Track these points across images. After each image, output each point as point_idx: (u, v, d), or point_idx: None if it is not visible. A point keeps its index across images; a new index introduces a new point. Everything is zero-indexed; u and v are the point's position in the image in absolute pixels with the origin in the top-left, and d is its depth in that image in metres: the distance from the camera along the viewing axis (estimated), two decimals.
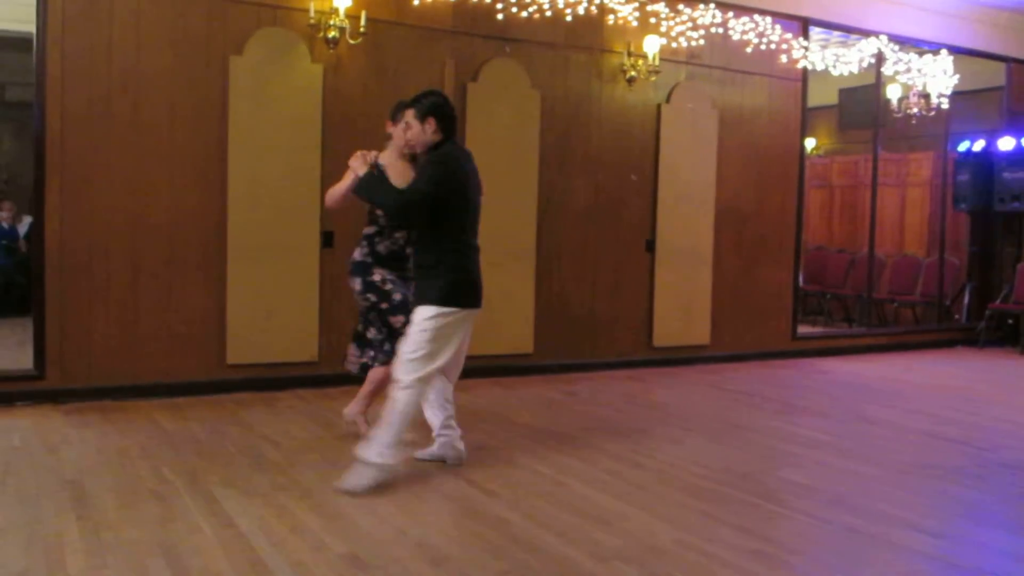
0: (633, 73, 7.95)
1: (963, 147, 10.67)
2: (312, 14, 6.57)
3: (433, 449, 4.88)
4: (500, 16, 7.29)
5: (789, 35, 8.75)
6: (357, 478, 4.34)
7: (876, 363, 9.11)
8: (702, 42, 8.27)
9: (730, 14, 8.37)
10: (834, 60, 9.19)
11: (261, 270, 6.52)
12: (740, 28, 8.44)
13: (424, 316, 4.47)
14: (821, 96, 10.46)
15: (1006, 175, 10.22)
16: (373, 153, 4.80)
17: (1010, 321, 10.36)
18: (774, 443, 5.65)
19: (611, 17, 7.82)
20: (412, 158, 4.92)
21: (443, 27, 7.16)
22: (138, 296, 6.26)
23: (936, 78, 9.97)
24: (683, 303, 8.41)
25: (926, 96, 10.11)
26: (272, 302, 6.51)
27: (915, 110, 10.27)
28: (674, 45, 8.12)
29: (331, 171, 6.02)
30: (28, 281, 7.98)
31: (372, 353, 5.10)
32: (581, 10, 7.60)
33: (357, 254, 5.02)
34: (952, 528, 4.17)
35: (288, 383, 6.63)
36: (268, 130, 6.53)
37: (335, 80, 6.73)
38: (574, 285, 7.89)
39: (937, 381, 8.28)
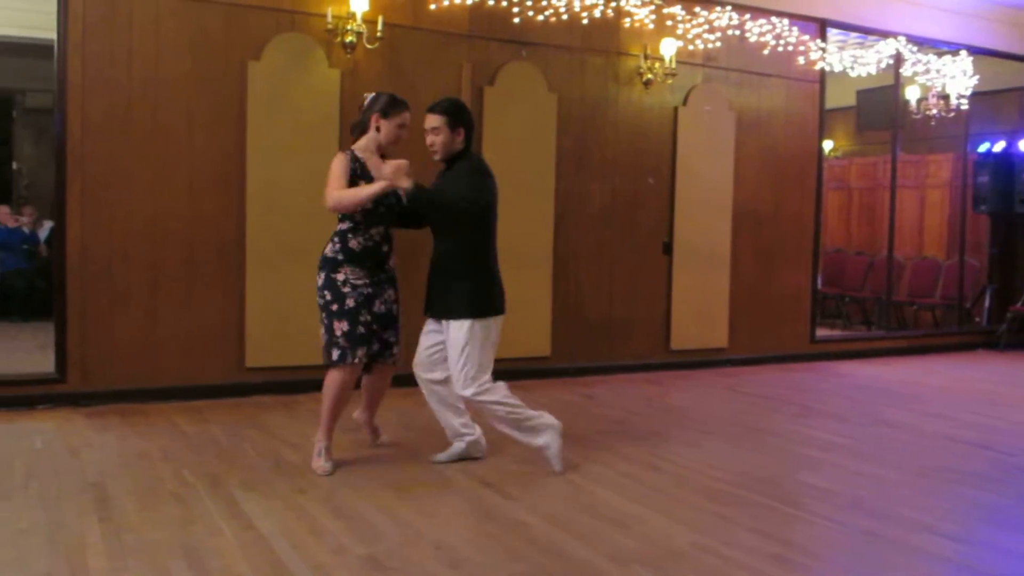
0: (650, 76, 7.96)
1: (983, 148, 10.62)
2: (329, 19, 6.62)
3: (455, 450, 4.92)
4: (516, 20, 7.32)
5: (806, 37, 8.74)
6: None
7: (895, 366, 9.08)
8: (719, 44, 8.27)
9: (747, 16, 8.37)
10: (852, 61, 9.18)
11: (279, 274, 6.56)
12: (757, 30, 8.44)
13: (469, 329, 4.66)
14: (839, 98, 10.44)
15: None
16: (405, 162, 4.65)
17: None
18: (792, 446, 5.65)
19: (627, 20, 7.84)
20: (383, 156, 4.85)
21: (460, 31, 7.19)
22: (157, 300, 6.32)
23: (955, 79, 9.94)
24: (701, 306, 8.41)
25: (945, 97, 10.07)
26: (290, 305, 6.55)
27: (934, 111, 10.23)
28: (691, 48, 8.13)
29: None
30: (49, 285, 8.06)
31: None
32: (597, 13, 7.63)
33: (328, 249, 4.81)
34: (972, 533, 4.15)
35: (306, 386, 6.65)
36: (286, 135, 6.58)
37: (352, 85, 6.77)
38: (591, 288, 7.91)
39: (957, 384, 8.24)
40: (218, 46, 6.43)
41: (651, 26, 7.92)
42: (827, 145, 11.57)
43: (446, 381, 4.82)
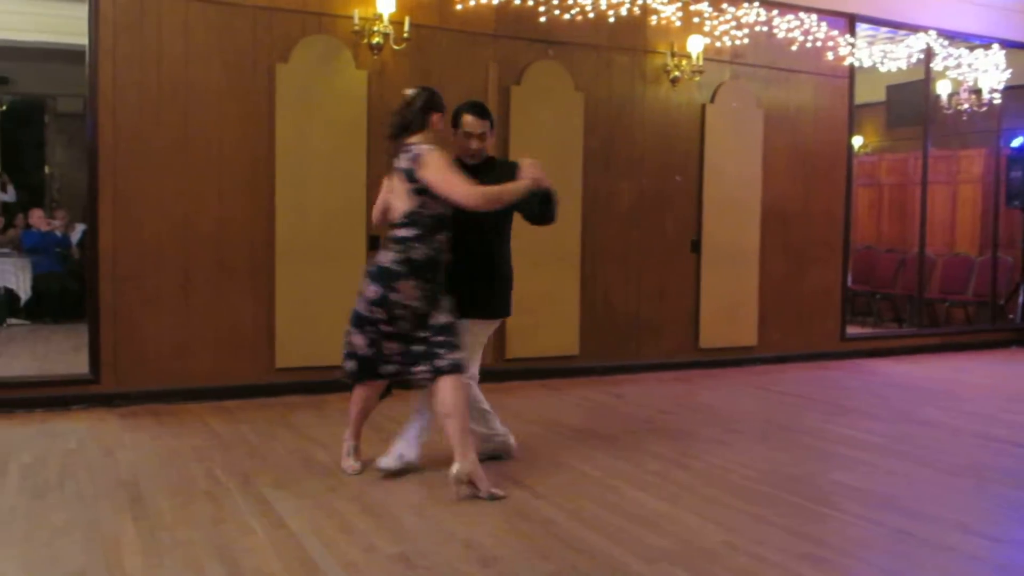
0: (677, 73, 7.94)
1: (1016, 143, 10.51)
2: (356, 21, 6.66)
3: (487, 448, 4.90)
4: (543, 19, 7.33)
5: (835, 32, 8.68)
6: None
7: (927, 364, 9.00)
8: (747, 41, 8.24)
9: (775, 12, 8.33)
10: (882, 56, 9.11)
11: (308, 275, 6.61)
12: (785, 26, 8.40)
13: (486, 327, 4.78)
14: (868, 93, 10.36)
15: None
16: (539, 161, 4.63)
17: None
18: (823, 445, 5.62)
19: (654, 18, 7.82)
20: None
21: (486, 31, 7.21)
22: (189, 302, 6.39)
23: (987, 73, 9.83)
24: (729, 304, 8.38)
25: (977, 91, 9.97)
26: (319, 306, 6.59)
27: (966, 106, 10.12)
28: (718, 44, 8.11)
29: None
30: (81, 287, 8.17)
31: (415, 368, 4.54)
32: (624, 11, 7.62)
33: (386, 259, 4.42)
34: (1007, 532, 4.12)
35: (335, 386, 6.66)
36: (314, 136, 6.62)
37: (380, 86, 6.81)
38: (619, 287, 7.90)
39: (990, 382, 8.16)
40: (246, 49, 6.49)
41: (678, 23, 7.90)
42: (857, 141, 11.49)
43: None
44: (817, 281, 8.89)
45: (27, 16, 9.38)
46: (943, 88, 10.31)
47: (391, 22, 6.70)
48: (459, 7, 7.05)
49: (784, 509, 4.27)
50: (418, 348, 4.46)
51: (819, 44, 8.61)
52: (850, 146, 9.08)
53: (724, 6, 8.09)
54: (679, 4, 7.85)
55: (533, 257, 7.34)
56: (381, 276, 4.41)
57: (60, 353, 7.97)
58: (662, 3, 7.79)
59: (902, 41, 9.27)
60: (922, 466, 5.12)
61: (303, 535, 3.80)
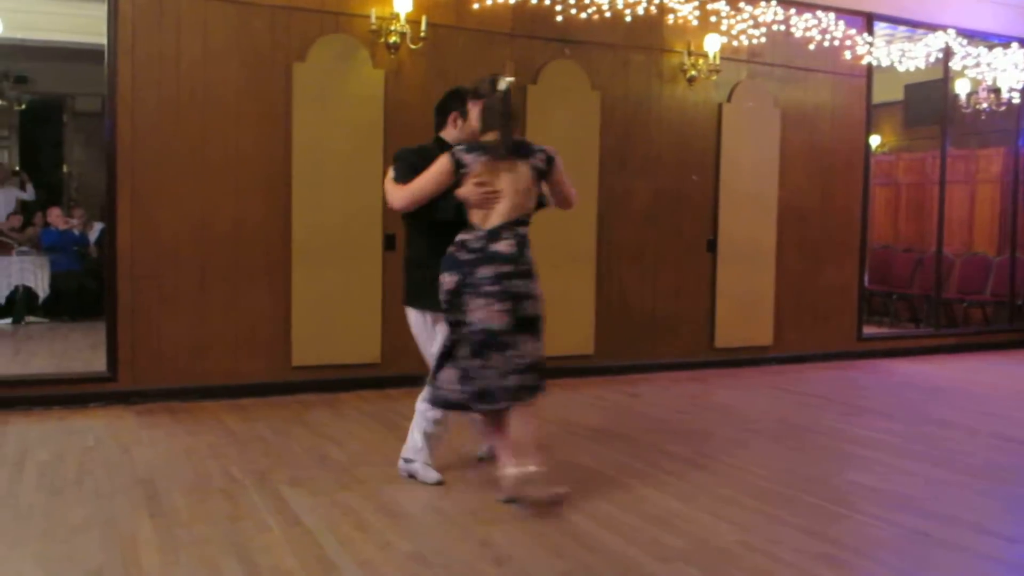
0: (693, 72, 7.92)
1: None
2: (373, 20, 6.67)
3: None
4: (559, 18, 7.32)
5: (853, 31, 8.64)
6: None
7: (945, 364, 8.95)
8: (764, 40, 8.21)
9: (792, 11, 8.30)
10: (900, 55, 9.06)
11: (325, 273, 6.63)
12: (802, 25, 8.36)
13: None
14: (886, 92, 10.32)
15: None
16: None
17: None
18: (840, 445, 5.60)
19: (671, 17, 7.81)
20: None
21: (503, 30, 7.21)
22: (206, 300, 6.42)
23: (1007, 72, 9.77)
24: (745, 303, 8.36)
25: (996, 91, 9.91)
26: (336, 305, 6.62)
27: (985, 105, 10.07)
28: (735, 44, 8.08)
29: None
30: (99, 286, 8.22)
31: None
32: (641, 10, 7.60)
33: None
34: None
35: (351, 384, 6.73)
36: (331, 135, 6.64)
37: (396, 85, 6.82)
38: (635, 286, 7.89)
39: (1009, 383, 8.12)
40: (264, 48, 6.51)
41: (695, 22, 7.88)
42: (874, 140, 11.43)
43: None
44: (834, 281, 8.85)
45: (46, 15, 9.44)
46: (962, 87, 10.26)
47: (408, 21, 6.71)
48: (476, 6, 7.06)
49: (800, 509, 4.26)
50: None
51: (837, 43, 8.57)
52: (868, 145, 9.04)
53: (741, 5, 8.06)
54: (696, 3, 7.83)
55: (549, 257, 7.32)
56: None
57: (78, 351, 8.02)
58: (679, 2, 7.77)
59: (921, 40, 9.22)
60: (939, 467, 5.10)
61: (319, 532, 3.82)
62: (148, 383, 6.29)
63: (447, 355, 4.28)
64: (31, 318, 9.83)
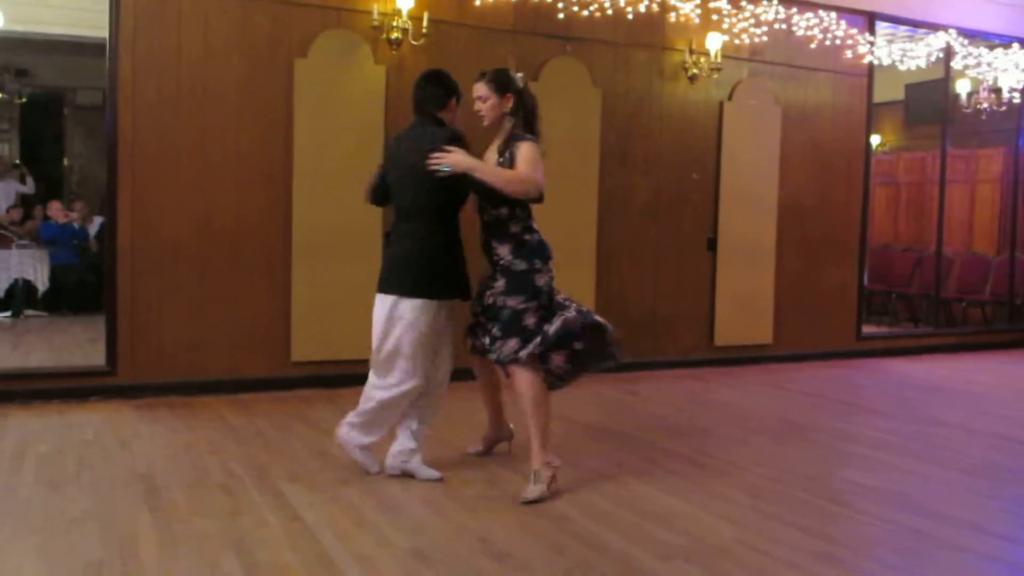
0: (695, 71, 7.92)
1: None
2: (375, 16, 6.67)
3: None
4: (561, 15, 7.32)
5: (854, 30, 8.64)
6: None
7: (944, 364, 8.96)
8: (765, 38, 8.20)
9: (793, 9, 8.30)
10: (901, 55, 9.06)
11: (325, 269, 6.63)
12: (804, 24, 8.36)
13: None
14: (887, 92, 10.30)
15: None
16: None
17: None
18: (838, 444, 5.61)
19: (673, 15, 7.80)
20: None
21: (504, 27, 7.21)
22: (206, 295, 6.42)
23: (1008, 72, 9.77)
24: (745, 302, 8.36)
25: (997, 91, 9.91)
26: (335, 301, 6.61)
27: (985, 105, 10.06)
28: (736, 42, 8.08)
29: None
30: (98, 280, 8.21)
31: None
32: (642, 8, 7.59)
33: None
34: (1022, 532, 4.10)
35: (351, 380, 6.69)
36: (332, 131, 6.64)
37: (398, 81, 6.81)
38: (635, 284, 7.89)
39: (1007, 382, 8.12)
40: (265, 43, 6.51)
41: (696, 20, 7.88)
42: (875, 140, 11.42)
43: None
44: (833, 280, 8.86)
45: (47, 8, 9.42)
46: (962, 87, 10.25)
47: (410, 17, 6.71)
48: (478, 3, 7.05)
49: (798, 508, 4.27)
50: None
51: (838, 42, 8.57)
52: (868, 144, 9.04)
53: (743, 3, 8.06)
54: (697, 1, 7.83)
55: None
56: None
57: (77, 345, 8.02)
58: (681, 0, 7.76)
59: (922, 40, 9.21)
60: (937, 466, 5.10)
61: (318, 528, 3.82)
62: (147, 378, 6.29)
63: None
64: (30, 311, 9.83)
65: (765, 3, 8.13)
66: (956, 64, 9.56)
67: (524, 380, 4.40)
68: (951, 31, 9.25)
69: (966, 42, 9.44)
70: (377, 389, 4.59)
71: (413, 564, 3.48)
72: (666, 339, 8.05)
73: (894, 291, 11.27)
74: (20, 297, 9.79)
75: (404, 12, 6.69)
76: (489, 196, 4.48)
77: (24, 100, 13.50)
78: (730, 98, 8.19)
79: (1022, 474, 5.02)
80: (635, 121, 7.81)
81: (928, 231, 10.86)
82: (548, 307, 4.54)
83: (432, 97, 4.63)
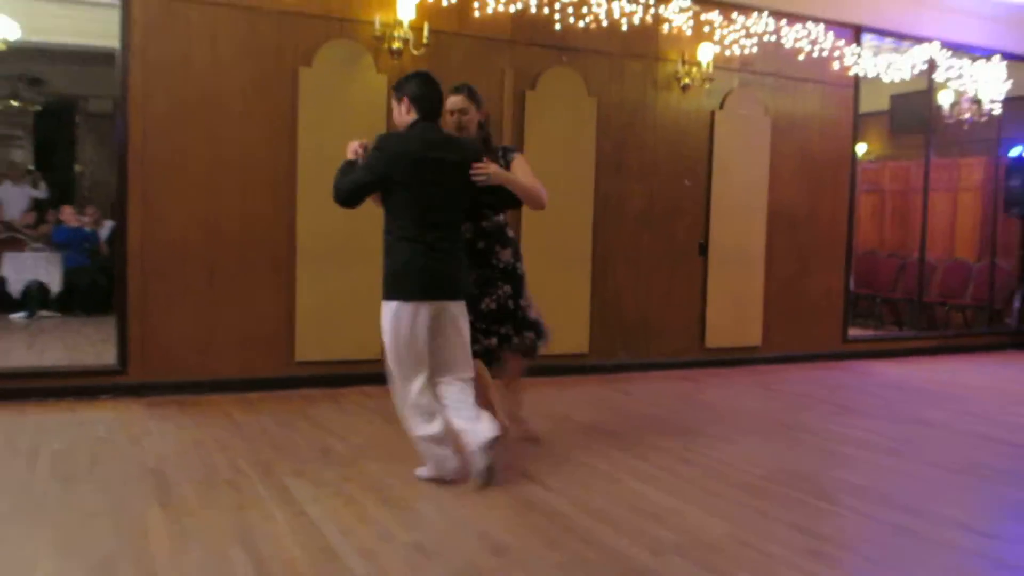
0: (687, 81, 7.93)
1: (1015, 152, 10.44)
2: (377, 26, 6.67)
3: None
4: (558, 26, 7.33)
5: (841, 42, 8.66)
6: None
7: (926, 366, 8.97)
8: (755, 50, 8.21)
9: (783, 22, 8.31)
10: (886, 66, 9.06)
11: (328, 272, 6.63)
12: (793, 36, 8.38)
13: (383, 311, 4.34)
14: (873, 102, 10.31)
15: None
16: (359, 143, 4.52)
17: None
18: (826, 443, 5.61)
19: (666, 26, 7.81)
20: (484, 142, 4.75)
21: (502, 37, 7.21)
22: (213, 297, 6.41)
23: (989, 84, 9.78)
24: (735, 305, 8.37)
25: (978, 102, 9.92)
26: (337, 303, 6.61)
27: (967, 116, 10.07)
28: (727, 53, 8.09)
29: None
30: (109, 282, 8.21)
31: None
32: (636, 20, 7.61)
33: None
34: (1005, 529, 4.11)
35: (353, 380, 6.72)
36: (336, 138, 6.57)
37: None
38: (629, 287, 7.89)
39: (988, 384, 8.13)
40: (271, 53, 6.51)
41: (689, 32, 7.89)
42: (860, 149, 11.42)
43: None
44: (820, 284, 8.87)
45: (60, 19, 9.42)
46: (945, 98, 10.26)
47: (411, 28, 6.72)
48: (476, 14, 7.06)
49: (787, 505, 4.27)
50: None
51: (825, 54, 8.59)
52: (854, 153, 9.05)
53: (734, 15, 8.07)
54: (690, 13, 7.84)
55: (545, 259, 7.36)
56: None
57: (89, 344, 8.01)
58: (674, 12, 7.78)
59: (906, 52, 9.22)
60: (921, 464, 5.11)
61: (322, 522, 3.82)
62: (157, 376, 6.29)
63: None
64: (44, 312, 9.82)
65: (755, 15, 8.15)
66: (939, 76, 9.57)
67: (520, 364, 4.93)
68: (934, 44, 9.26)
69: (949, 54, 9.45)
70: (459, 390, 4.41)
71: (415, 557, 3.48)
72: (659, 341, 8.05)
73: (879, 295, 11.29)
74: (34, 298, 9.79)
75: (405, 23, 6.69)
76: (494, 204, 4.55)
77: (38, 108, 13.49)
78: (721, 107, 8.20)
79: (1003, 472, 5.02)
80: (629, 130, 7.82)
81: (912, 238, 10.87)
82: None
83: (441, 102, 4.52)
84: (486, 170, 4.38)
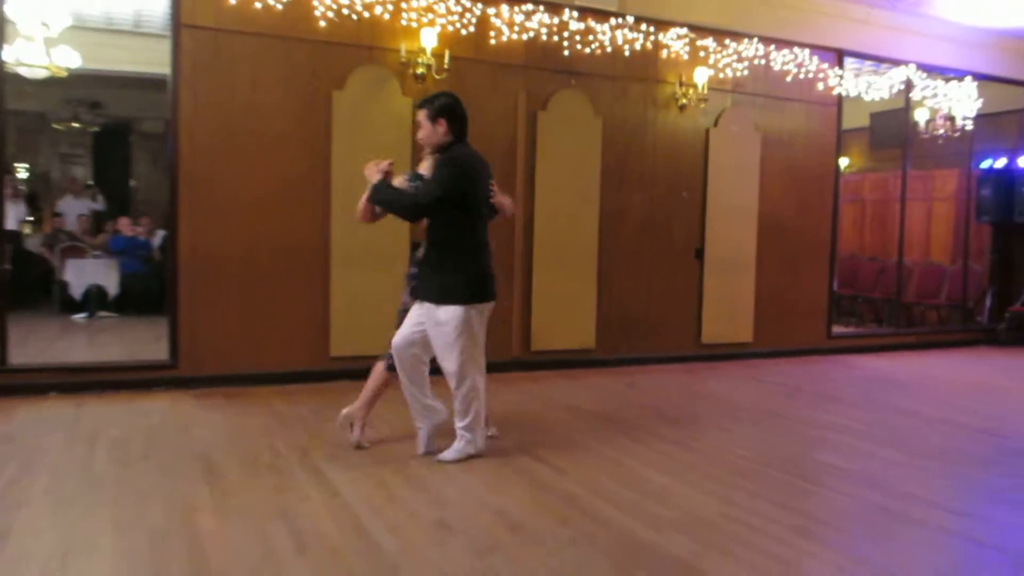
0: (684, 101, 7.93)
1: (986, 164, 10.40)
2: (403, 54, 6.70)
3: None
4: (566, 52, 7.35)
5: (825, 65, 8.63)
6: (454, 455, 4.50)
7: (904, 360, 8.92)
8: (746, 72, 8.21)
9: (771, 47, 8.30)
10: (866, 87, 9.03)
11: (359, 275, 6.66)
12: (781, 59, 8.37)
13: (452, 315, 4.34)
14: (854, 119, 10.28)
15: None
16: (387, 161, 4.47)
17: None
18: (811, 430, 5.60)
19: (665, 51, 7.82)
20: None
21: (516, 62, 7.23)
22: (256, 299, 6.45)
23: (961, 102, 9.74)
24: (728, 305, 8.35)
25: (951, 118, 9.88)
26: (367, 303, 6.63)
27: (941, 131, 10.03)
28: (721, 75, 8.09)
29: None
30: (162, 285, 8.25)
31: None
32: (638, 46, 7.63)
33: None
34: (975, 509, 4.08)
35: None
36: (365, 155, 6.63)
37: None
38: (632, 289, 7.89)
39: (961, 376, 8.09)
40: (307, 78, 6.54)
41: (686, 57, 7.89)
42: (843, 162, 11.38)
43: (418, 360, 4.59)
44: (807, 286, 8.84)
45: (117, 49, 9.53)
46: (921, 115, 10.23)
47: (433, 55, 6.74)
48: (492, 42, 7.08)
49: (775, 485, 4.27)
50: None
51: (811, 75, 8.57)
52: (837, 166, 9.01)
53: (727, 41, 8.07)
54: (687, 40, 7.85)
55: (556, 262, 7.38)
56: None
57: (143, 342, 8.03)
58: (672, 39, 7.79)
59: (885, 73, 9.19)
60: (900, 450, 5.09)
61: (354, 502, 3.84)
62: (205, 370, 6.33)
63: None
64: (103, 313, 9.88)
65: (746, 41, 8.14)
66: (915, 95, 9.53)
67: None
68: (911, 65, 9.22)
69: (924, 75, 9.42)
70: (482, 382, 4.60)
71: (438, 533, 3.50)
72: (659, 338, 8.04)
73: (860, 295, 11.24)
74: (94, 301, 9.85)
75: (428, 50, 6.72)
76: (489, 215, 4.67)
77: (97, 129, 13.60)
78: (715, 125, 8.19)
79: (972, 457, 5.00)
80: (631, 146, 7.81)
81: (891, 243, 10.82)
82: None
83: (463, 130, 4.51)
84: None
